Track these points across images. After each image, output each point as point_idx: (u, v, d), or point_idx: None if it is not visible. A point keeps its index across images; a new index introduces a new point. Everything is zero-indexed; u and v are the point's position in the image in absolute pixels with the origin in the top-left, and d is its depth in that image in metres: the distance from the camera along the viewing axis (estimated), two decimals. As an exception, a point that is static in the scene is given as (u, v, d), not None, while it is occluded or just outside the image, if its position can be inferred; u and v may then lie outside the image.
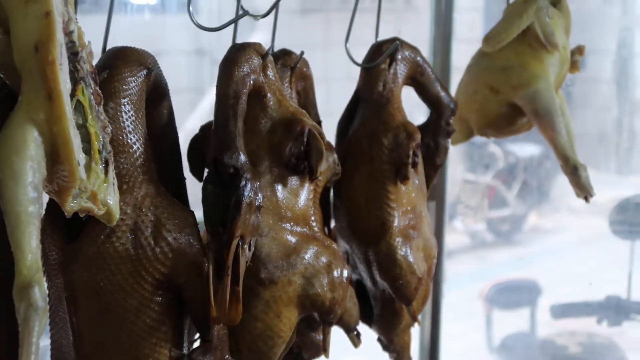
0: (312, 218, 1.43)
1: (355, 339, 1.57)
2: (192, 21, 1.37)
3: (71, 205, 1.09)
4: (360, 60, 1.64)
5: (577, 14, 1.96)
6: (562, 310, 4.07)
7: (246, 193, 1.26)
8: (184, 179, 1.39)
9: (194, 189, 1.38)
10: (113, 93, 1.24)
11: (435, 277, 1.74)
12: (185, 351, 1.29)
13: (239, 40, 1.40)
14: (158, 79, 1.32)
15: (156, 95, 1.32)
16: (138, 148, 1.25)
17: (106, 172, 1.14)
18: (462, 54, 2.28)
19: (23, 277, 1.00)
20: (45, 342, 1.15)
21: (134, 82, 1.26)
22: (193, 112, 4.57)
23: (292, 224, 1.40)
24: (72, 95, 1.08)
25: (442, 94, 1.68)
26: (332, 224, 1.66)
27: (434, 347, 2.33)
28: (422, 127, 1.64)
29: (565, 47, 1.90)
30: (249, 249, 1.28)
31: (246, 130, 1.33)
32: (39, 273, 1.01)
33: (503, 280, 4.96)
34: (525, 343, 4.54)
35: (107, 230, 1.21)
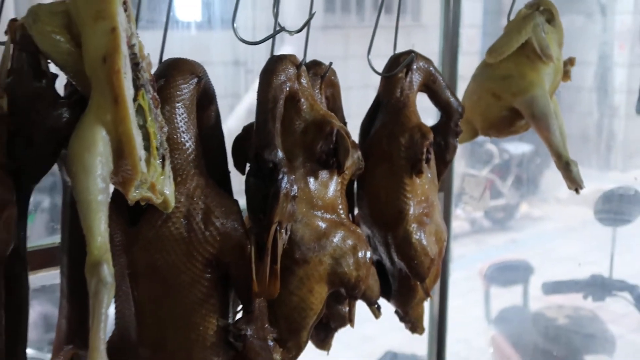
0: (340, 206, 1.42)
1: (376, 311, 1.56)
2: (236, 36, 1.36)
3: (133, 195, 1.09)
4: (379, 70, 1.63)
5: (565, 30, 1.94)
6: (553, 287, 4.06)
7: (283, 185, 1.25)
8: (229, 172, 1.38)
9: (237, 181, 1.38)
10: (169, 98, 1.24)
11: (444, 258, 1.73)
12: (230, 321, 1.29)
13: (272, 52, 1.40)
14: (207, 86, 1.32)
15: (205, 99, 1.32)
16: (190, 146, 1.25)
17: (163, 166, 1.14)
18: (464, 65, 2.27)
19: (94, 256, 1.00)
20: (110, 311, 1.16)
21: (187, 88, 1.26)
22: (231, 114, 4.59)
23: (322, 211, 1.39)
24: (134, 99, 1.08)
25: (452, 99, 1.67)
26: (356, 211, 1.65)
27: (441, 318, 2.32)
28: (434, 128, 1.63)
29: (559, 58, 1.88)
30: (286, 233, 1.28)
31: (283, 131, 1.33)
32: (108, 253, 1.01)
33: (499, 261, 4.95)
34: (519, 315, 4.52)
35: (163, 216, 1.21)
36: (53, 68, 1.10)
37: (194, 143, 1.26)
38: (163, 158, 1.15)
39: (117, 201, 1.20)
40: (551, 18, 1.90)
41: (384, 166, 1.57)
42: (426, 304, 1.76)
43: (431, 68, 1.64)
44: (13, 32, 1.07)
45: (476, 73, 1.91)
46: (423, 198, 1.59)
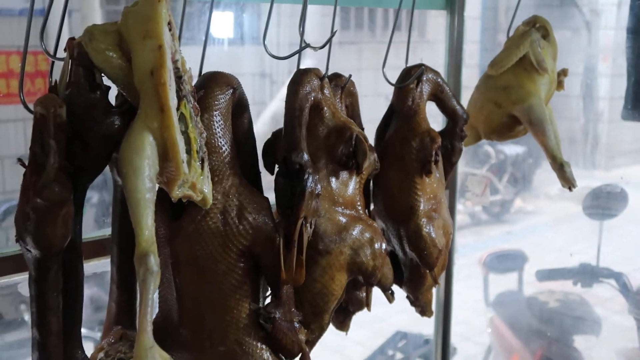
0: (358, 203, 1.42)
1: (390, 297, 1.55)
2: (267, 52, 1.36)
3: (176, 193, 1.09)
4: (392, 81, 1.62)
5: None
6: (546, 274, 4.03)
7: (309, 184, 1.25)
8: (259, 172, 1.38)
9: (267, 180, 1.38)
10: (207, 107, 1.23)
11: (449, 249, 1.72)
12: (260, 305, 1.29)
13: (293, 64, 1.40)
14: (241, 96, 1.31)
15: (239, 108, 1.32)
16: (226, 149, 1.25)
17: (202, 168, 1.14)
18: (465, 77, 2.26)
19: (142, 248, 1.00)
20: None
21: (223, 98, 1.26)
22: (258, 120, 4.59)
23: (342, 207, 1.38)
24: (177, 108, 1.08)
25: (457, 107, 1.66)
26: (371, 207, 1.65)
27: (447, 302, 2.31)
28: (441, 133, 1.62)
29: (553, 70, 1.87)
30: (311, 227, 1.27)
31: (308, 135, 1.32)
32: (154, 245, 1.01)
33: (497, 250, 4.91)
34: (514, 299, 4.49)
35: (202, 212, 1.21)
36: (106, 81, 1.10)
37: (230, 147, 1.25)
38: (202, 160, 1.15)
39: (161, 199, 1.20)
40: (546, 34, 1.88)
41: (397, 167, 1.56)
42: (434, 290, 1.75)
43: (439, 79, 1.63)
44: (71, 49, 1.07)
45: (479, 84, 1.90)
46: (432, 195, 1.58)
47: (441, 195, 1.61)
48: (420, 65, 1.59)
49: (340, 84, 1.47)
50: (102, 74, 1.09)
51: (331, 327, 1.55)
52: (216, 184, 1.21)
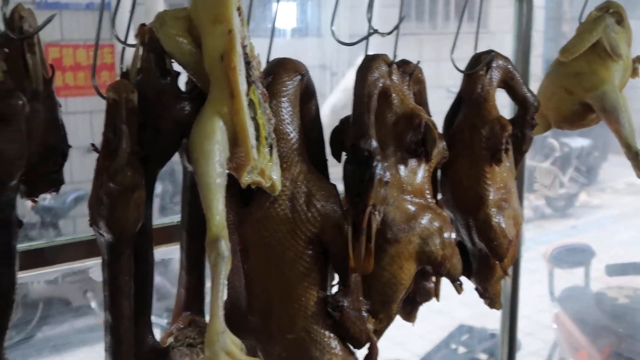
0: (427, 191, 1.39)
1: (459, 287, 1.52)
2: (334, 37, 1.34)
3: (246, 179, 1.09)
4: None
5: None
6: (617, 269, 3.92)
7: (377, 171, 1.23)
8: (327, 160, 1.37)
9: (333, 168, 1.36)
10: (276, 93, 1.23)
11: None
12: (328, 293, 1.28)
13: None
14: (308, 83, 1.30)
15: (307, 95, 1.31)
16: (294, 136, 1.24)
17: (271, 154, 1.14)
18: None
19: (213, 233, 1.00)
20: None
21: (291, 84, 1.25)
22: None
23: (411, 196, 1.36)
24: (246, 94, 1.08)
25: (528, 94, 1.61)
26: (439, 197, 1.61)
27: (514, 296, 2.26)
28: (511, 121, 1.58)
29: (628, 56, 1.80)
30: (379, 215, 1.26)
31: (376, 122, 1.30)
32: (225, 230, 1.01)
33: (562, 245, 4.80)
34: (581, 295, 4.38)
35: (271, 198, 1.20)
36: (176, 67, 1.10)
37: (298, 133, 1.25)
38: (271, 147, 1.14)
39: (230, 185, 1.20)
40: (620, 19, 1.82)
41: (466, 155, 1.53)
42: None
43: (509, 66, 1.58)
44: (142, 35, 1.08)
45: (549, 71, 1.85)
46: (502, 185, 1.54)
47: (511, 185, 1.57)
48: (490, 52, 1.55)
49: (408, 71, 1.44)
50: (172, 60, 1.09)
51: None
52: (284, 171, 1.21)
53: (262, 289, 1.24)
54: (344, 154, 1.34)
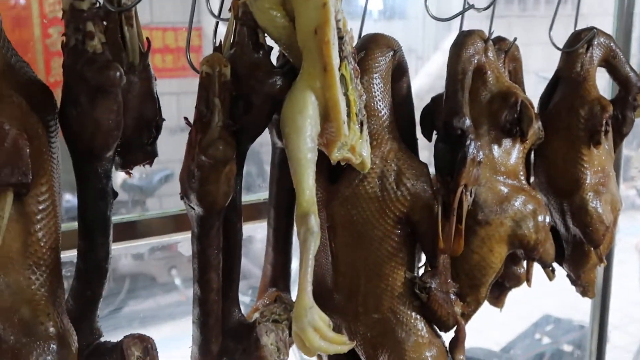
0: (521, 173, 1.35)
1: (550, 274, 1.48)
2: (428, 13, 1.31)
3: (336, 155, 1.07)
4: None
5: None
6: None
7: (470, 150, 1.20)
8: (417, 138, 1.34)
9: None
10: (367, 69, 1.21)
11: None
12: (416, 274, 1.26)
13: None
14: (401, 59, 1.28)
15: (399, 71, 1.28)
16: (385, 113, 1.22)
17: (361, 131, 1.12)
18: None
19: (302, 208, 0.99)
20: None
21: (383, 60, 1.23)
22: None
23: (504, 177, 1.32)
24: (338, 69, 1.06)
25: (631, 74, 1.53)
26: (531, 179, 1.56)
27: (605, 286, 2.18)
28: (612, 102, 1.51)
29: None
30: (471, 196, 1.22)
31: (470, 100, 1.27)
32: (314, 205, 1.00)
33: (656, 236, 4.60)
34: (675, 289, 4.20)
35: (360, 176, 1.19)
36: (269, 41, 1.10)
37: (389, 111, 1.22)
38: (361, 123, 1.12)
39: (319, 161, 1.19)
40: None
41: (562, 136, 1.47)
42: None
43: (612, 44, 1.51)
44: (236, 9, 1.07)
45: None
46: (599, 168, 1.48)
47: (609, 169, 1.50)
48: (592, 29, 1.49)
49: (504, 47, 1.40)
50: (265, 34, 1.09)
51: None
52: (374, 148, 1.19)
53: (349, 267, 1.23)
54: (435, 133, 1.31)
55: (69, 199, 1.57)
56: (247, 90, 1.07)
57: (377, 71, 1.21)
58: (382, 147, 1.20)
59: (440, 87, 1.32)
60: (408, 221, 1.21)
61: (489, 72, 1.31)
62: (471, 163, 1.19)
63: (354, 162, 1.11)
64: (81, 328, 1.05)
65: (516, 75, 1.46)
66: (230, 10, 1.10)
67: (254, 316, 1.30)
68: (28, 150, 0.90)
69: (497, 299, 1.53)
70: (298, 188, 1.00)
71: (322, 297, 1.26)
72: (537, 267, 1.48)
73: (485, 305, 1.48)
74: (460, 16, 1.33)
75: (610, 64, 1.52)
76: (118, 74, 0.95)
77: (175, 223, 1.52)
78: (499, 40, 1.41)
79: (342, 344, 1.00)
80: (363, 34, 1.31)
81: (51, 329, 0.95)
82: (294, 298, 1.23)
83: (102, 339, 1.10)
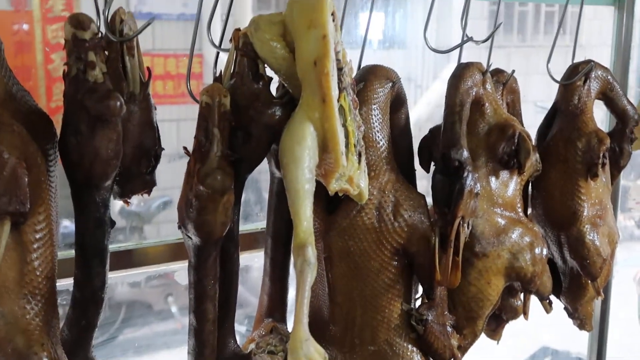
0: (518, 205, 1.36)
1: (548, 306, 1.47)
2: (427, 45, 1.32)
3: (334, 186, 1.08)
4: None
5: None
6: None
7: (468, 182, 1.20)
8: (415, 170, 1.35)
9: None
10: (366, 100, 1.21)
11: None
12: (412, 306, 1.25)
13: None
14: (399, 91, 1.28)
15: (397, 103, 1.29)
16: (383, 144, 1.22)
17: (359, 162, 1.12)
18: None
19: (300, 239, 0.99)
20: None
21: (382, 92, 1.23)
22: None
23: (502, 209, 1.33)
24: (337, 100, 1.07)
25: (628, 107, 1.54)
26: (528, 212, 1.57)
27: (603, 317, 2.17)
28: (609, 134, 1.52)
29: None
30: (468, 227, 1.23)
31: (468, 132, 1.28)
32: (312, 236, 1.00)
33: (654, 268, 4.59)
34: (674, 321, 4.18)
35: (357, 207, 1.19)
36: (268, 72, 1.10)
37: (387, 142, 1.23)
38: (359, 154, 1.12)
39: (317, 192, 1.19)
40: None
41: (560, 169, 1.48)
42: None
43: (609, 77, 1.52)
44: (237, 40, 1.08)
45: (650, 84, 1.77)
46: (597, 200, 1.48)
47: (607, 201, 1.51)
48: (589, 61, 1.50)
49: (502, 80, 1.41)
50: (265, 65, 1.10)
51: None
52: (372, 179, 1.19)
53: (345, 298, 1.23)
54: (432, 164, 1.32)
55: (67, 225, 1.57)
56: (247, 121, 1.07)
57: (375, 102, 1.22)
58: (380, 178, 1.20)
59: (439, 116, 1.33)
60: (405, 252, 1.20)
61: (487, 104, 1.32)
62: (469, 195, 1.19)
63: (351, 193, 1.11)
64: (76, 358, 1.04)
65: (514, 107, 1.47)
66: (231, 40, 1.11)
67: (249, 347, 1.29)
68: (26, 179, 0.90)
69: (494, 331, 1.52)
70: (295, 219, 1.00)
71: (318, 328, 1.25)
72: (534, 300, 1.47)
73: (482, 337, 1.48)
74: (461, 45, 1.34)
75: (608, 97, 1.54)
76: (118, 103, 0.95)
77: (172, 252, 1.52)
78: (497, 72, 1.42)
79: (338, 376, 1.00)
80: (363, 63, 1.32)
81: None
82: (290, 328, 1.22)
83: (97, 369, 1.09)
